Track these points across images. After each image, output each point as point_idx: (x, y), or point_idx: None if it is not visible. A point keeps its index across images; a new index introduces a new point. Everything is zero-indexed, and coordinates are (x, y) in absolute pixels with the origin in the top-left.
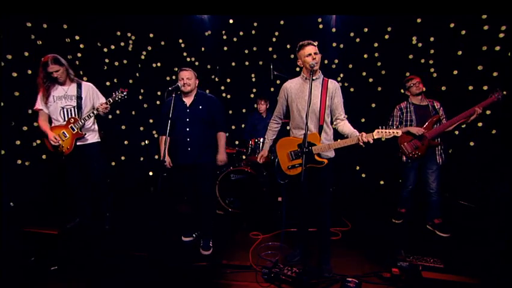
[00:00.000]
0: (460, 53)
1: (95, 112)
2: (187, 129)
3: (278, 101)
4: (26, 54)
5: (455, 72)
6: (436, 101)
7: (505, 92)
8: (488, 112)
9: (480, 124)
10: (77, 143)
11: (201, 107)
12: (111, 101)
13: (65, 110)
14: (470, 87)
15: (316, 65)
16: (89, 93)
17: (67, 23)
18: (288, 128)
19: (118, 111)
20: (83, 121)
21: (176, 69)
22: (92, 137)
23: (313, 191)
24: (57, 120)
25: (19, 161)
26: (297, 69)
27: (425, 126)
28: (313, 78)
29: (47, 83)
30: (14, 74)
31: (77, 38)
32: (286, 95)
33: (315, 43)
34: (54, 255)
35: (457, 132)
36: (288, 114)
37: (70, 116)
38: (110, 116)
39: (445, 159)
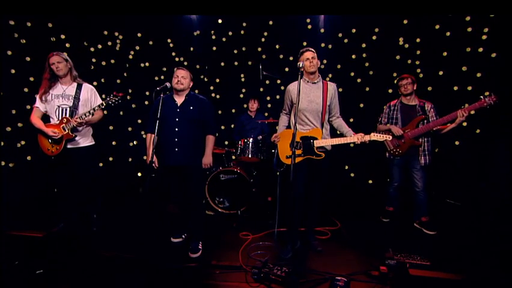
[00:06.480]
0: (445, 54)
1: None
2: (176, 129)
3: (284, 100)
4: (9, 53)
5: (441, 72)
6: (428, 102)
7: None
8: (472, 112)
9: (465, 124)
10: (68, 146)
11: (191, 107)
12: (104, 104)
13: (60, 109)
14: (455, 88)
15: (309, 67)
16: (88, 95)
17: (52, 21)
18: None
19: (105, 112)
20: (74, 123)
21: (165, 69)
22: (85, 141)
23: (310, 178)
24: (53, 118)
25: (3, 163)
26: (286, 69)
27: (407, 126)
28: (314, 81)
29: (50, 79)
30: None
31: (62, 37)
32: (290, 97)
33: (313, 49)
34: (39, 258)
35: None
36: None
37: (63, 116)
38: None
39: (430, 160)
